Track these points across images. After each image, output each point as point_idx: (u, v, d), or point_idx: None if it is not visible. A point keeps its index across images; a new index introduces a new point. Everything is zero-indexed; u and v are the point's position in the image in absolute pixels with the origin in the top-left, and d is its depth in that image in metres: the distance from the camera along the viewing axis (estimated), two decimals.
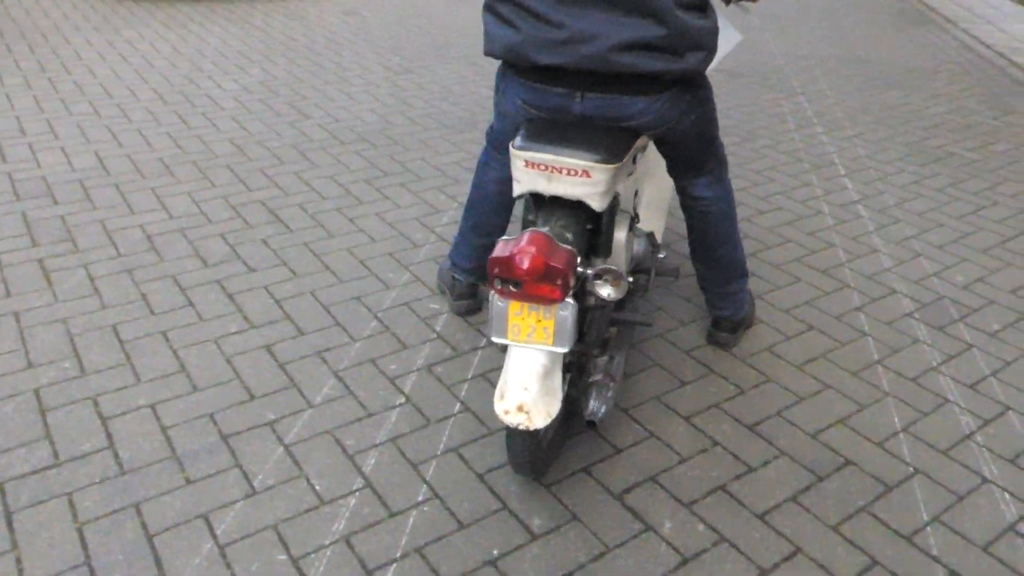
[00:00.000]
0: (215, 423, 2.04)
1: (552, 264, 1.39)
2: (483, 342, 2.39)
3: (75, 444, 1.96)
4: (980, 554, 1.73)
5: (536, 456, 1.69)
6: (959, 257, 2.95)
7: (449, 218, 3.13)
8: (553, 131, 1.64)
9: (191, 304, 2.52)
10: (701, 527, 1.78)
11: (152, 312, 2.48)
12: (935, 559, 1.72)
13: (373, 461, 1.94)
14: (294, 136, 3.89)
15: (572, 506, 1.82)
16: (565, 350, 1.53)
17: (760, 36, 6.13)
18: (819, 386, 2.24)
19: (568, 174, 1.57)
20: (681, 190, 2.14)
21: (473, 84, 4.76)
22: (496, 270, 1.43)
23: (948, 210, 3.32)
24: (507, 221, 2.34)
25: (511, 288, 1.44)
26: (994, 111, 4.54)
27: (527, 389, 1.56)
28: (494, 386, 2.20)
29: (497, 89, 1.93)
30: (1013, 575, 1.68)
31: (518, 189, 1.64)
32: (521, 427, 1.55)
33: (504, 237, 1.50)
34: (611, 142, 1.62)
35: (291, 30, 5.84)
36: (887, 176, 3.64)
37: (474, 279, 2.45)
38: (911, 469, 1.96)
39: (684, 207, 2.17)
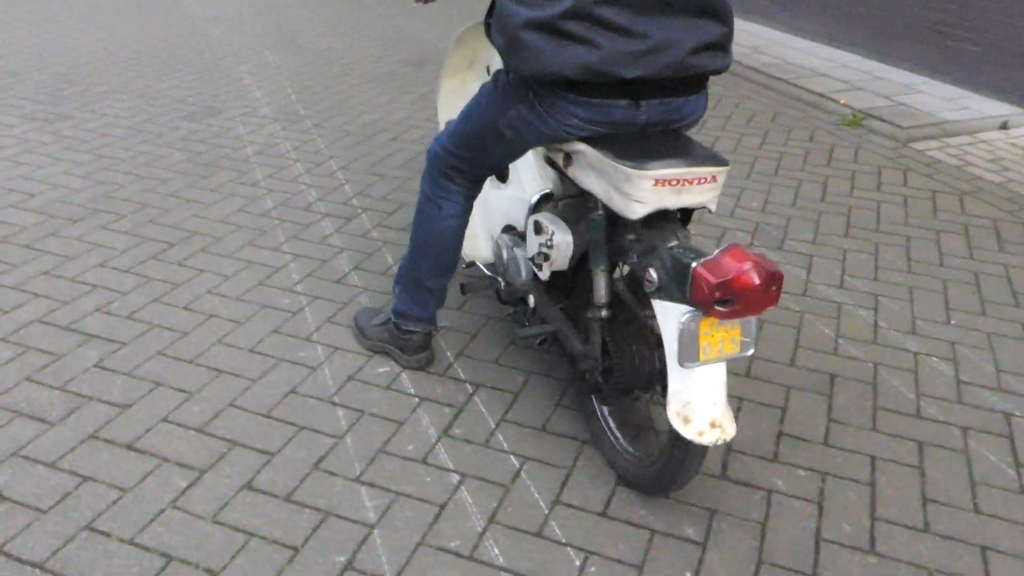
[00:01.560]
0: None
1: (774, 272, 1.40)
2: (469, 387, 2.21)
3: None
4: (964, 407, 2.20)
5: None
6: (738, 188, 3.51)
7: (299, 272, 2.74)
8: (655, 144, 1.60)
9: (86, 479, 1.87)
10: (802, 473, 1.95)
11: (40, 511, 1.79)
12: (951, 424, 2.14)
13: (497, 551, 1.72)
14: None
15: (705, 502, 1.85)
16: (751, 352, 1.55)
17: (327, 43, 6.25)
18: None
19: (699, 183, 1.56)
20: None
21: (163, 117, 4.09)
22: (717, 293, 1.39)
23: None
24: (459, 255, 2.18)
25: (718, 308, 1.41)
26: None
27: (716, 403, 1.54)
28: (524, 426, 2.07)
29: (508, 112, 1.77)
30: (986, 413, 2.18)
31: (642, 210, 1.57)
32: (719, 442, 1.54)
33: (699, 260, 1.44)
34: (703, 144, 1.64)
35: None
36: None
37: (432, 328, 2.23)
38: (871, 365, 2.37)
39: None
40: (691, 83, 1.68)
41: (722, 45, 1.65)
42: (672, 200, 1.56)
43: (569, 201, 1.99)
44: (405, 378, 2.24)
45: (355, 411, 2.11)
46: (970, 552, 1.74)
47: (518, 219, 2.26)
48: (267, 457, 1.95)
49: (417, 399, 2.16)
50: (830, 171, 3.69)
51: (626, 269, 1.79)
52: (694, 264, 1.43)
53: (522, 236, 2.25)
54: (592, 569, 1.68)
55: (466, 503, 1.83)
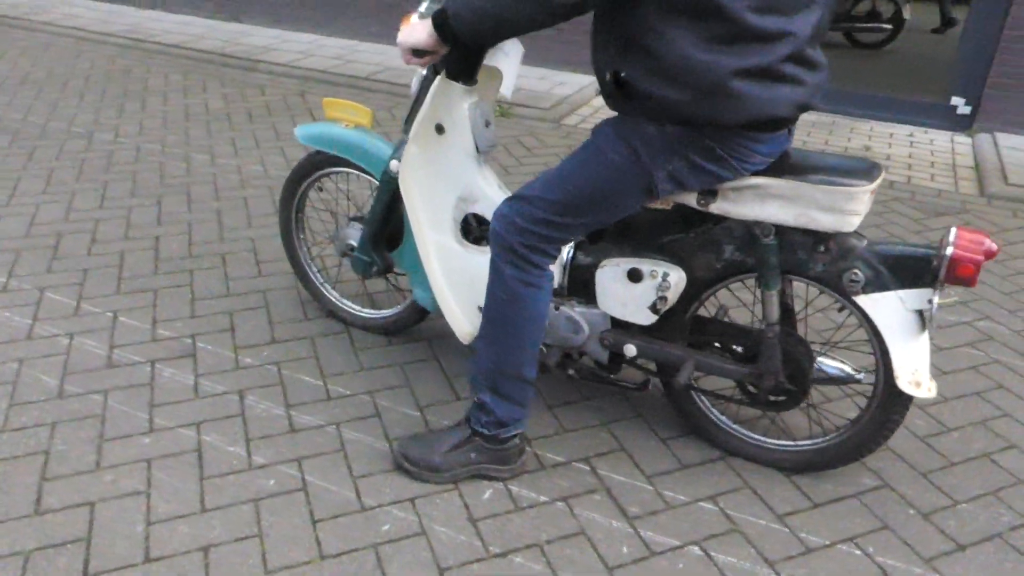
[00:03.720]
0: None
1: None
2: (581, 465, 2.02)
3: None
4: None
5: None
6: None
7: (235, 458, 2.03)
8: (823, 162, 1.72)
9: None
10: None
11: None
12: None
13: None
14: None
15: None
16: None
17: None
18: None
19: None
20: None
21: None
22: (977, 269, 1.63)
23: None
24: None
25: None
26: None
27: (927, 361, 1.80)
28: (669, 472, 2.01)
29: (668, 165, 1.65)
30: None
31: (858, 221, 1.68)
32: (935, 392, 1.81)
33: (947, 247, 1.63)
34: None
35: None
36: None
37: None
38: None
39: None
40: None
41: None
42: (870, 206, 1.74)
43: (645, 242, 1.95)
44: (518, 490, 1.94)
45: (530, 549, 1.78)
46: (985, 401, 2.38)
47: None
48: None
49: (561, 503, 1.91)
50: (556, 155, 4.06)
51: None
52: (948, 251, 1.65)
53: (554, 294, 2.11)
54: (871, 550, 1.82)
55: (730, 565, 1.77)
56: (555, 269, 2.07)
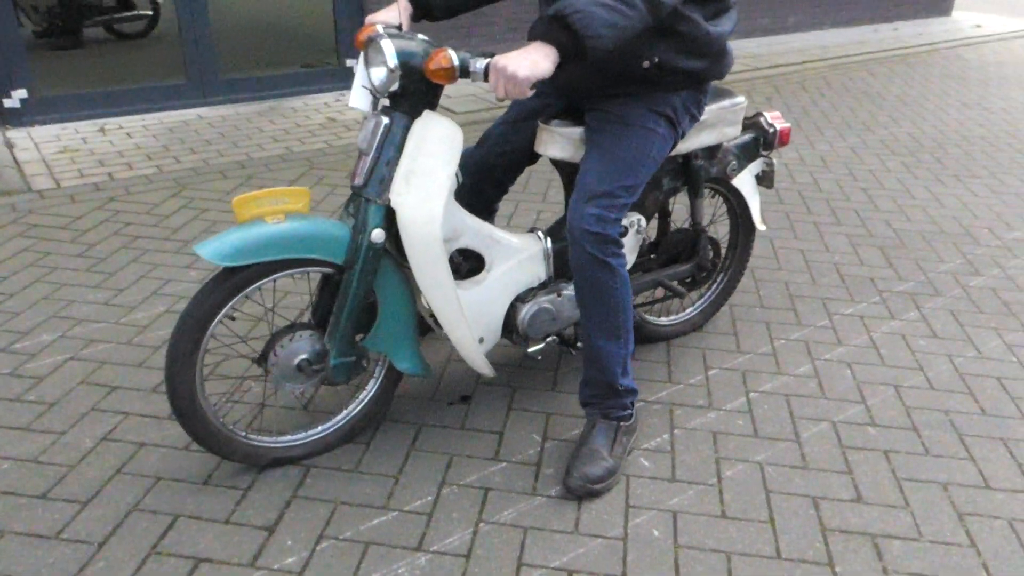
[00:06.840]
0: None
1: None
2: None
3: None
4: None
5: None
6: None
7: None
8: (714, 89, 2.26)
9: None
10: None
11: None
12: None
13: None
14: None
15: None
16: None
17: None
18: None
19: None
20: None
21: None
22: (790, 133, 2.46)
23: None
24: None
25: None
26: None
27: None
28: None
29: (683, 126, 1.99)
30: None
31: (740, 128, 2.28)
32: None
33: (773, 127, 2.39)
34: None
35: None
36: None
37: None
38: None
39: None
40: None
41: None
42: None
43: None
44: (656, 444, 2.12)
45: (723, 462, 2.06)
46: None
47: (536, 275, 2.16)
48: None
49: (704, 432, 2.19)
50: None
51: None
52: (778, 127, 2.44)
53: (543, 286, 2.19)
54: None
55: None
56: (541, 261, 2.17)
